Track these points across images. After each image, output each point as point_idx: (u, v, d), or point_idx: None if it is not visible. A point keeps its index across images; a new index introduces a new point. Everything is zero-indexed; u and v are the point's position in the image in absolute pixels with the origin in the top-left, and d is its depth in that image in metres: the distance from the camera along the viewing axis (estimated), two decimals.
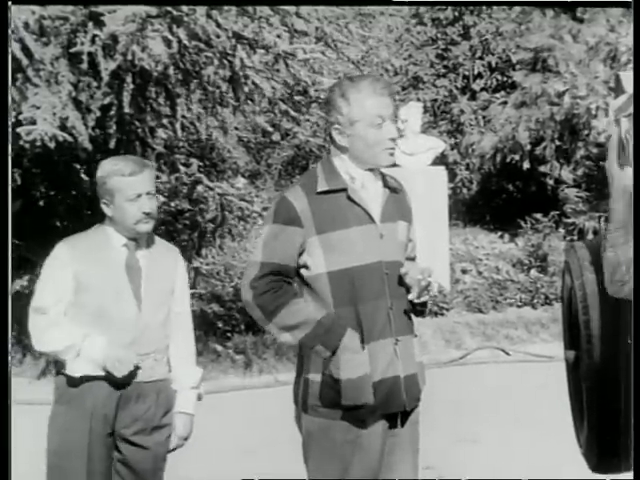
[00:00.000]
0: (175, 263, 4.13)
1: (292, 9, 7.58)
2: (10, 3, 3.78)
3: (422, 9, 19.15)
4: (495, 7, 18.05)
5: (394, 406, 3.58)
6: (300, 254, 3.57)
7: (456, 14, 18.85)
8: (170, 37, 7.43)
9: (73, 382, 3.93)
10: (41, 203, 11.54)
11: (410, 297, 3.59)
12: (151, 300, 4.01)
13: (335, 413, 3.53)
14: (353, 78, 3.68)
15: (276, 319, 3.56)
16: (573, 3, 15.71)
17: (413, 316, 3.72)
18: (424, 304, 3.67)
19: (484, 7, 18.24)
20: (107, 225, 4.04)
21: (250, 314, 3.69)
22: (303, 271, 3.59)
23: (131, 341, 3.93)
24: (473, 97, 19.21)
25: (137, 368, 3.92)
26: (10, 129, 4.29)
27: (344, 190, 3.60)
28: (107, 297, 3.93)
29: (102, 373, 3.90)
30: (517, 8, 17.78)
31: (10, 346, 3.68)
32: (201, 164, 9.99)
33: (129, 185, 3.93)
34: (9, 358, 3.70)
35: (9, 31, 4.13)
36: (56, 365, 4.06)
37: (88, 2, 7.36)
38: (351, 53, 9.39)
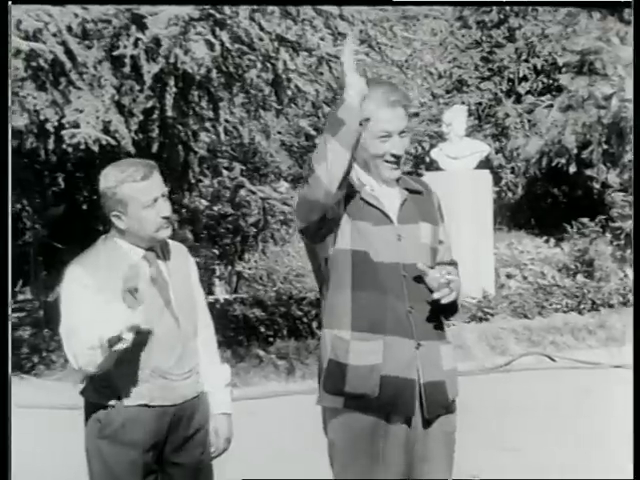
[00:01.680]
0: (187, 263, 3.89)
1: (335, 11, 7.54)
2: (10, 3, 3.76)
3: (467, 11, 19.05)
4: (541, 9, 17.91)
5: (404, 410, 3.49)
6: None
7: (501, 16, 18.76)
8: (213, 40, 7.41)
9: (118, 414, 3.65)
10: (84, 207, 11.60)
11: (433, 297, 3.47)
12: (185, 312, 3.76)
13: (336, 400, 3.47)
14: (368, 84, 3.49)
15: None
16: (573, 3, 15.70)
17: (447, 323, 3.65)
18: (453, 306, 3.54)
19: (529, 9, 18.09)
20: (118, 238, 3.71)
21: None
22: (329, 244, 3.52)
23: (175, 362, 3.71)
24: (518, 100, 19.13)
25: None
26: (9, 134, 4.15)
27: (357, 192, 3.54)
28: (142, 320, 3.60)
29: (156, 403, 3.66)
30: (564, 10, 17.62)
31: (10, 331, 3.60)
32: (244, 168, 9.95)
33: (144, 190, 3.62)
34: (9, 358, 3.65)
35: (9, 31, 4.01)
36: (87, 407, 3.75)
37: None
38: (395, 55, 9.31)
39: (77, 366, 3.61)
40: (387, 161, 3.54)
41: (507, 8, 18.29)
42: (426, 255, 3.57)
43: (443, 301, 3.46)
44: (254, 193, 10.28)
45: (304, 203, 3.45)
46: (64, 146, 7.92)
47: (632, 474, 3.19)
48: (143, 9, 7.39)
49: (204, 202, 11.91)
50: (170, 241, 3.86)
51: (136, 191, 3.61)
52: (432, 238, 3.63)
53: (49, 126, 7.85)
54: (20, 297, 12.50)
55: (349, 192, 3.50)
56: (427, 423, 3.53)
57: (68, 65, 7.68)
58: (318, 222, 3.45)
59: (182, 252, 3.90)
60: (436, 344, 3.55)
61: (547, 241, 16.38)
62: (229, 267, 12.64)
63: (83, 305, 3.60)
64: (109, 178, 3.64)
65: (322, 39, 8.27)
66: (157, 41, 7.48)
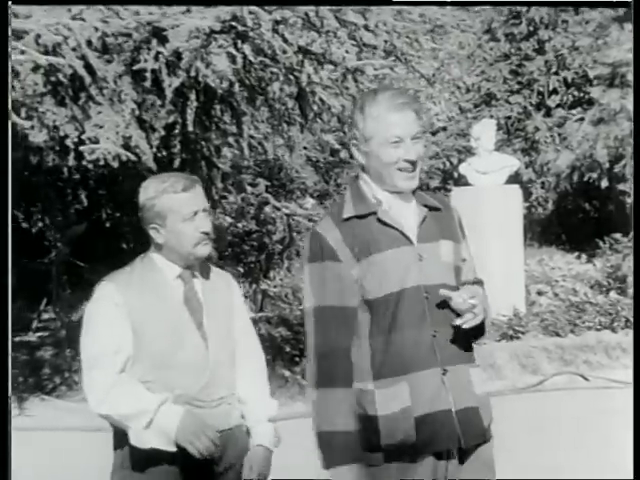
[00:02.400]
0: (230, 289, 3.74)
1: (360, 21, 7.43)
2: (10, 3, 3.74)
3: (495, 24, 18.98)
4: (571, 21, 17.84)
5: (445, 443, 3.28)
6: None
7: (530, 29, 18.68)
8: (235, 52, 7.32)
9: (139, 456, 3.47)
10: (107, 225, 11.54)
11: (455, 322, 3.28)
12: (217, 337, 3.59)
13: (375, 457, 3.26)
14: (376, 90, 3.45)
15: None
16: (573, 3, 15.77)
17: (476, 342, 3.46)
18: (479, 329, 3.35)
19: (559, 22, 18.03)
20: (155, 254, 3.61)
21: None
22: None
23: (202, 387, 3.53)
24: (548, 114, 19.01)
25: (216, 446, 3.47)
26: (9, 134, 4.02)
27: (373, 213, 3.36)
28: (170, 341, 3.50)
29: (174, 449, 3.45)
30: (594, 22, 17.51)
31: (10, 350, 3.47)
32: (268, 184, 9.85)
33: (184, 202, 3.51)
34: (9, 362, 3.55)
35: (9, 31, 3.91)
36: (115, 436, 3.58)
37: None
38: (422, 68, 9.18)
39: (98, 409, 3.47)
40: (401, 169, 3.35)
41: (537, 20, 18.22)
42: (449, 274, 3.39)
43: (465, 326, 3.28)
44: (279, 209, 10.16)
45: None
46: (84, 162, 7.83)
47: (632, 474, 3.12)
48: (164, 22, 7.31)
49: (228, 219, 11.83)
50: (215, 267, 3.74)
51: (176, 202, 3.51)
52: (454, 256, 3.44)
53: (69, 142, 7.79)
54: (44, 316, 12.44)
55: (364, 214, 3.37)
56: (464, 455, 3.34)
57: (88, 80, 7.61)
58: None
59: (225, 277, 3.76)
60: (464, 368, 3.36)
61: (579, 257, 16.28)
62: (254, 285, 12.55)
63: (111, 329, 3.49)
64: (149, 189, 3.56)
65: (347, 52, 8.16)
66: (178, 54, 7.40)
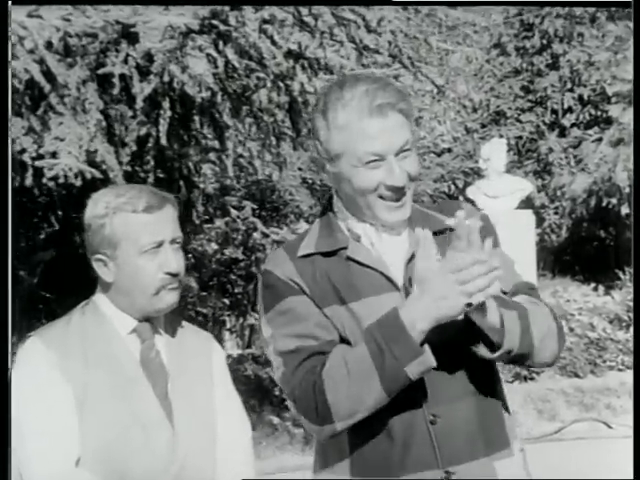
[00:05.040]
0: (209, 352, 2.92)
1: (360, 21, 6.78)
2: (10, 3, 3.39)
3: (505, 37, 18.85)
4: (587, 34, 17.81)
5: None
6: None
7: (544, 42, 18.59)
8: (216, 55, 6.71)
9: None
10: (80, 251, 10.91)
11: (482, 354, 2.44)
12: (187, 415, 2.77)
13: None
14: (343, 81, 2.56)
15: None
16: (573, 3, 15.66)
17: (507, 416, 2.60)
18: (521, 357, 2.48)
19: (575, 35, 17.94)
20: (101, 298, 2.80)
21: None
22: None
23: None
24: (563, 134, 18.83)
25: None
26: (9, 136, 3.31)
27: (343, 248, 2.57)
28: (121, 421, 2.67)
29: None
30: (612, 35, 17.33)
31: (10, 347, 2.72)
32: (255, 207, 9.24)
33: (144, 227, 2.71)
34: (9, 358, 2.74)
35: (9, 31, 3.48)
36: None
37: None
38: (430, 73, 8.58)
39: None
40: (383, 197, 2.51)
41: (551, 33, 18.10)
42: (456, 324, 2.47)
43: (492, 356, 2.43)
44: (267, 236, 9.59)
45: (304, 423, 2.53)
46: (44, 180, 7.16)
47: (632, 474, 2.75)
48: (133, 19, 6.68)
49: (214, 245, 11.29)
50: (192, 325, 2.94)
51: (133, 226, 2.71)
52: None
53: (26, 157, 7.11)
54: None
55: (331, 252, 2.56)
56: None
57: (47, 87, 6.93)
58: None
59: (202, 337, 2.95)
60: (481, 465, 2.48)
61: (596, 289, 16.01)
62: (240, 319, 12.02)
63: (47, 403, 2.65)
64: (99, 204, 2.75)
65: (347, 58, 7.55)
66: (150, 57, 6.78)
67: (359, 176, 2.49)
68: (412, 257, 2.49)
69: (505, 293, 2.53)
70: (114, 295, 2.76)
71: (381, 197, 2.51)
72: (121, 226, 2.71)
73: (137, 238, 2.71)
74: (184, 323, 2.93)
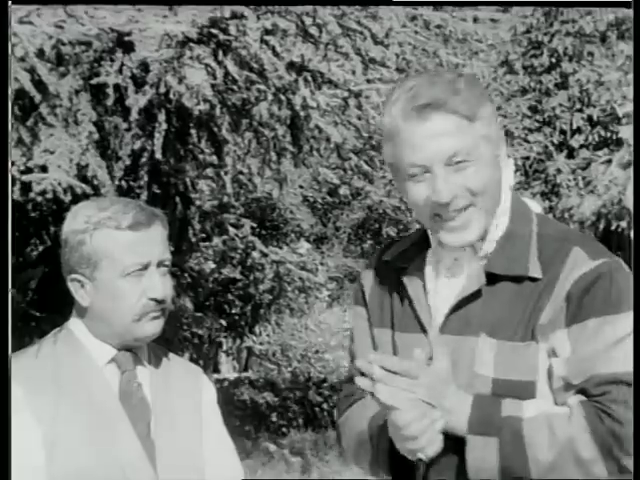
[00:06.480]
0: (198, 387, 2.66)
1: (366, 32, 6.59)
2: (10, 3, 3.20)
3: (513, 55, 18.64)
4: (598, 53, 17.59)
5: None
6: None
7: (552, 60, 18.37)
8: (214, 66, 6.55)
9: None
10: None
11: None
12: (172, 457, 2.51)
13: None
14: (404, 78, 2.31)
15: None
16: (573, 3, 15.54)
17: None
18: None
19: (585, 53, 17.71)
20: (77, 324, 2.53)
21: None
22: None
23: None
24: (571, 155, 18.53)
25: None
26: (9, 139, 3.09)
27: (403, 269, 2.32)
28: (97, 464, 2.40)
29: None
30: (623, 55, 17.17)
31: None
32: (254, 225, 9.06)
33: (129, 247, 2.44)
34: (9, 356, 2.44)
35: (9, 32, 3.32)
36: None
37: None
38: None
39: None
40: (438, 215, 2.20)
41: (560, 51, 17.90)
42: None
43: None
44: (266, 255, 9.42)
45: None
46: (32, 195, 6.96)
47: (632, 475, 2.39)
48: (129, 27, 6.51)
49: (211, 264, 11.15)
50: (180, 358, 2.68)
51: (116, 245, 2.44)
52: (506, 363, 2.21)
53: (14, 171, 6.91)
54: None
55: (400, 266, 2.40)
56: None
57: (37, 97, 6.75)
58: None
59: (191, 370, 2.69)
60: None
61: None
62: (237, 341, 11.79)
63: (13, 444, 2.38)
64: (78, 218, 2.47)
65: (353, 72, 7.37)
66: (146, 66, 6.61)
67: (408, 191, 2.22)
68: (468, 297, 2.23)
69: (571, 385, 2.19)
70: (90, 321, 2.50)
71: (438, 215, 2.21)
72: (102, 244, 2.44)
73: (120, 258, 2.44)
74: (170, 355, 2.66)
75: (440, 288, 2.28)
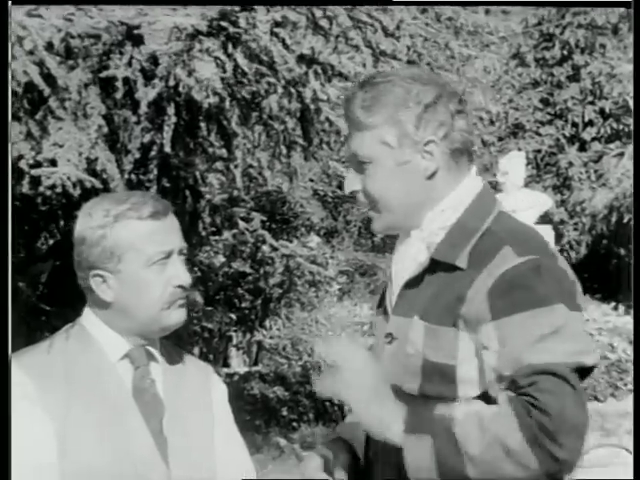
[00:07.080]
0: (209, 385, 2.66)
1: (376, 24, 6.62)
2: (10, 3, 3.35)
3: (525, 48, 18.71)
4: (610, 45, 17.61)
5: None
6: None
7: (564, 53, 18.44)
8: (224, 59, 6.54)
9: None
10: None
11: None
12: (184, 454, 2.51)
13: None
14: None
15: None
16: (573, 3, 15.64)
17: None
18: None
19: (597, 46, 17.75)
20: (91, 321, 2.52)
21: None
22: None
23: None
24: (583, 148, 18.69)
25: None
26: (9, 140, 3.09)
27: None
28: (111, 456, 2.41)
29: None
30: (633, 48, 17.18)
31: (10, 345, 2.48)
32: (264, 219, 9.06)
33: (152, 236, 2.45)
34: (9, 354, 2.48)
35: (9, 32, 3.33)
36: None
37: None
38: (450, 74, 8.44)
39: None
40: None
41: (572, 44, 17.94)
42: (414, 375, 2.36)
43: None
44: (276, 249, 9.44)
45: None
46: (41, 189, 6.97)
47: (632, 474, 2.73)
48: (138, 20, 6.52)
49: (221, 258, 11.16)
50: (185, 352, 2.68)
51: (140, 234, 2.44)
52: (431, 349, 2.35)
53: (23, 164, 6.91)
54: None
55: None
56: None
57: (47, 90, 6.74)
58: None
59: (201, 368, 2.69)
60: None
61: (616, 308, 15.77)
62: (248, 335, 11.84)
63: (24, 441, 2.40)
64: (95, 214, 2.47)
65: (364, 65, 7.37)
66: (155, 59, 6.61)
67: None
68: (412, 279, 2.41)
69: (503, 376, 2.27)
70: (112, 315, 2.49)
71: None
72: (125, 235, 2.44)
73: (143, 248, 2.45)
74: (181, 351, 2.68)
75: (401, 272, 2.45)
